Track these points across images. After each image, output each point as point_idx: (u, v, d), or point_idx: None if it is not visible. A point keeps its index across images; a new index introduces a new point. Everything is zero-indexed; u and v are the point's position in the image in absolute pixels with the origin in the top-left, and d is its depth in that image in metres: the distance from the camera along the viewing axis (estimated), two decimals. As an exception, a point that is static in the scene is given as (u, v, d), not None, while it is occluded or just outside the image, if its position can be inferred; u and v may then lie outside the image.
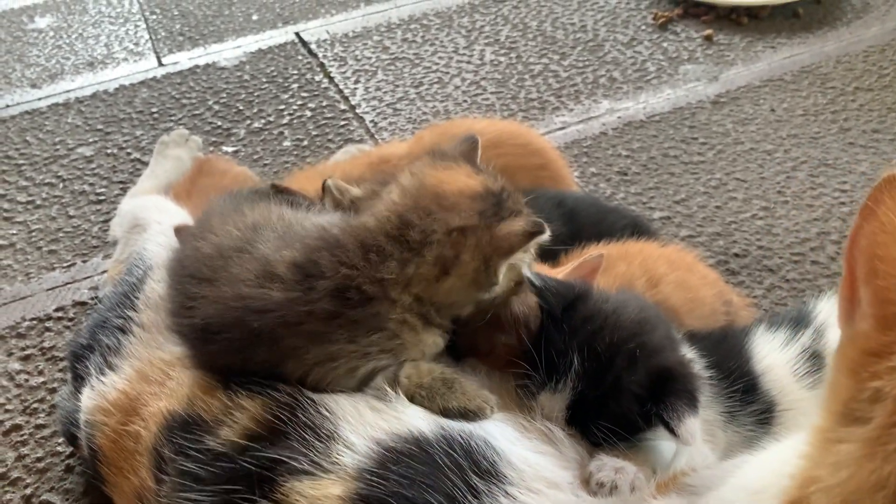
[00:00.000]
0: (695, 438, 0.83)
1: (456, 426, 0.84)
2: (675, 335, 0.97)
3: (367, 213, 0.93)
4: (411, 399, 0.87)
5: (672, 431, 0.82)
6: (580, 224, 1.24)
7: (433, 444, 0.82)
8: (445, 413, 0.85)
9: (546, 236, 0.89)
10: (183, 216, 1.34)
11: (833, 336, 1.06)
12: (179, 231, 1.17)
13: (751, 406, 1.01)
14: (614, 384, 0.85)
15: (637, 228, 1.31)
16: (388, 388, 0.87)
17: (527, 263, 0.93)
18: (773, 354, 1.05)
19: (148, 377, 1.00)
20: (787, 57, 2.08)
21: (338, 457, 0.80)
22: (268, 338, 0.86)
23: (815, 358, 1.04)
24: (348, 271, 0.86)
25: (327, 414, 0.84)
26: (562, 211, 1.26)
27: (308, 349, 0.87)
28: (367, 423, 0.84)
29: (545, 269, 1.06)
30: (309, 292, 0.86)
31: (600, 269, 1.09)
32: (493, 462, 0.81)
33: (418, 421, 0.85)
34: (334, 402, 0.85)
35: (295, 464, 0.80)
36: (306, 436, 0.82)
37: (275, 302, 0.86)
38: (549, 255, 1.18)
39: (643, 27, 2.26)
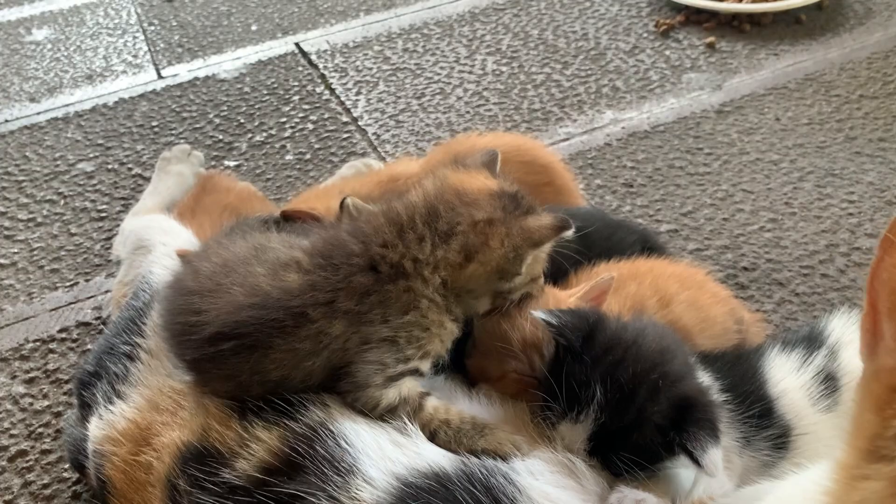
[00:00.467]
0: (718, 468, 0.82)
1: (477, 462, 0.83)
2: (692, 361, 0.96)
3: (394, 201, 0.97)
4: (432, 434, 0.86)
5: (696, 462, 0.81)
6: (590, 240, 1.23)
7: (453, 480, 0.81)
8: (473, 453, 0.85)
9: (571, 232, 0.94)
10: (187, 236, 1.33)
11: (847, 355, 1.05)
12: (183, 257, 1.16)
13: (766, 431, 1.00)
14: (638, 415, 0.84)
15: (646, 244, 1.30)
16: (409, 422, 0.86)
17: (543, 259, 0.97)
18: (788, 378, 1.04)
19: (158, 406, 0.99)
20: (790, 64, 2.07)
21: (357, 492, 0.79)
22: (291, 325, 0.86)
23: (829, 380, 1.03)
24: (380, 249, 0.89)
25: (347, 447, 0.83)
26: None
27: (339, 334, 0.86)
28: (387, 458, 0.83)
29: (556, 292, 1.05)
30: (336, 271, 0.88)
31: (610, 290, 1.08)
32: (513, 499, 0.80)
33: (439, 457, 0.84)
34: (355, 433, 0.84)
35: (313, 499, 0.79)
36: (325, 469, 0.80)
37: (297, 287, 0.87)
38: (559, 272, 1.17)
39: (645, 35, 2.25)
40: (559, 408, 0.86)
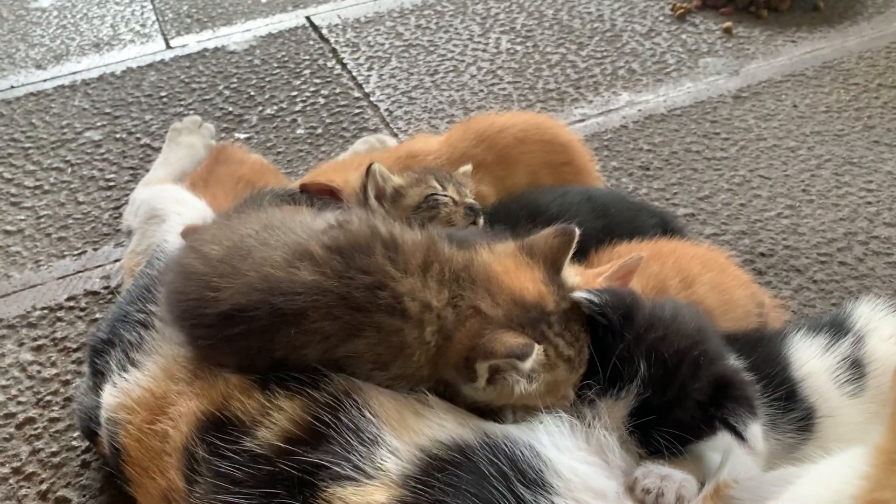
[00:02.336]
0: (760, 443, 0.82)
1: (501, 434, 0.82)
2: (724, 343, 0.95)
3: (442, 241, 0.91)
4: None
5: (739, 436, 0.81)
6: (612, 221, 1.22)
7: (477, 451, 0.79)
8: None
9: (526, 364, 0.82)
10: (201, 206, 1.31)
11: (874, 342, 1.04)
12: (188, 233, 1.13)
13: (791, 413, 0.99)
14: (680, 391, 0.84)
15: (667, 226, 1.29)
16: (429, 395, 0.85)
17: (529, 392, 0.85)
18: (812, 361, 1.04)
19: (173, 375, 0.97)
20: (808, 52, 2.05)
21: (382, 462, 0.78)
22: (294, 319, 0.84)
23: (855, 366, 1.02)
24: (395, 272, 0.84)
25: (371, 417, 0.81)
26: (591, 206, 1.23)
27: (332, 333, 0.84)
28: (410, 429, 0.81)
29: (585, 272, 1.03)
30: (347, 281, 0.84)
31: (636, 269, 1.07)
32: (539, 471, 0.79)
33: (461, 429, 0.82)
34: (378, 404, 0.83)
35: (337, 469, 0.77)
36: (350, 439, 0.79)
37: (306, 284, 0.84)
38: (580, 251, 1.16)
39: (661, 18, 2.22)
40: (599, 385, 0.85)
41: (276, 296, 0.85)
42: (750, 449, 0.80)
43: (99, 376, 1.07)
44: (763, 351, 1.05)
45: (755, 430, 0.80)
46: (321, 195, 1.20)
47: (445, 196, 1.17)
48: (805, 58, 2.03)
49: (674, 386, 0.84)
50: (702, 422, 0.84)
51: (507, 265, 0.91)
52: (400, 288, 0.85)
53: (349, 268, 0.85)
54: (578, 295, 0.89)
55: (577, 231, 0.94)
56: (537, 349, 0.82)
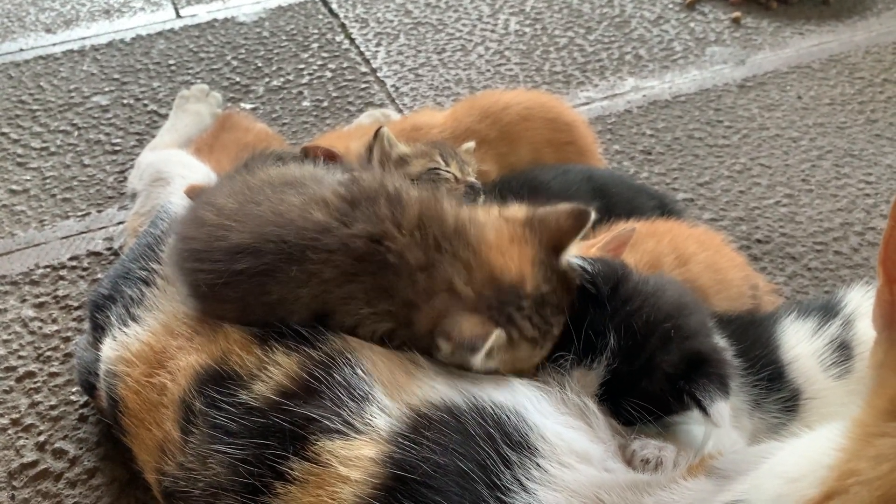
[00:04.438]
0: (725, 420, 0.83)
1: (488, 398, 0.83)
2: (710, 323, 0.96)
3: (444, 199, 0.92)
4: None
5: (704, 410, 0.82)
6: (612, 200, 1.23)
7: (465, 413, 0.81)
8: None
9: (476, 358, 0.84)
10: (206, 171, 1.32)
11: (863, 326, 1.06)
12: (193, 192, 1.15)
13: (777, 394, 1.01)
14: (647, 362, 0.85)
15: (665, 209, 1.30)
16: (420, 356, 0.87)
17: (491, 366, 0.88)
18: (801, 344, 1.05)
19: (173, 331, 0.99)
20: (815, 44, 2.05)
21: (371, 418, 0.80)
22: (298, 257, 0.86)
23: (843, 348, 1.04)
24: (392, 227, 0.86)
25: (363, 375, 0.83)
26: (592, 185, 1.25)
27: (329, 278, 0.87)
28: (401, 388, 0.83)
29: (580, 242, 1.05)
30: (350, 225, 0.87)
31: (629, 242, 1.08)
32: (524, 434, 0.80)
33: (450, 391, 0.84)
34: (371, 363, 0.85)
35: (327, 423, 0.79)
36: (341, 395, 0.81)
37: (313, 222, 0.88)
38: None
39: (670, 5, 2.23)
40: (574, 354, 0.87)
41: (286, 229, 0.88)
42: (713, 424, 0.81)
43: (99, 331, 1.09)
44: (754, 333, 1.06)
45: (721, 407, 0.81)
46: (323, 158, 1.21)
47: (448, 172, 1.18)
48: (812, 50, 2.03)
49: (641, 356, 0.85)
50: (671, 394, 0.85)
51: (502, 237, 0.91)
52: (395, 245, 0.87)
53: (354, 216, 0.88)
54: (574, 260, 0.90)
55: (594, 216, 0.93)
56: (494, 336, 0.83)
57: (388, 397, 0.82)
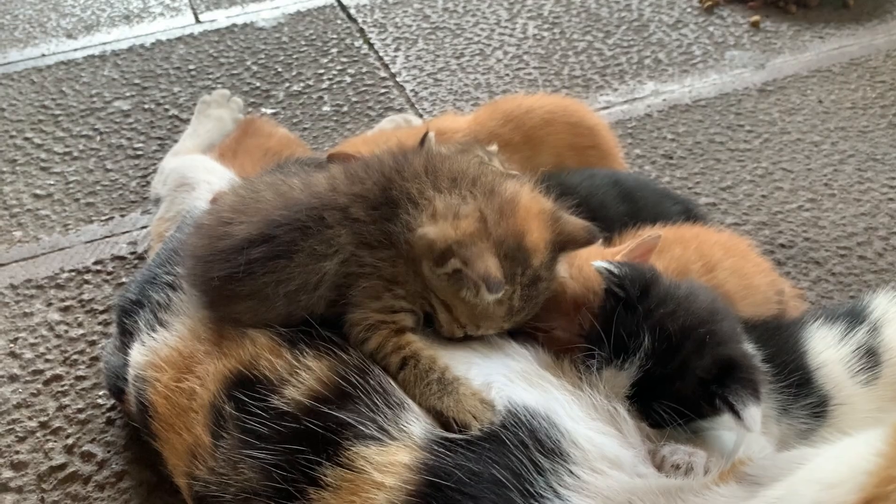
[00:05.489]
0: (757, 425, 0.82)
1: (521, 403, 0.83)
2: (739, 328, 0.96)
3: (458, 155, 0.99)
4: (401, 362, 0.86)
5: (737, 415, 0.82)
6: (637, 205, 1.23)
7: (499, 422, 0.81)
8: (427, 409, 0.83)
9: (492, 296, 0.86)
10: (229, 177, 1.33)
11: (890, 332, 1.05)
12: (217, 200, 1.15)
13: (805, 399, 1.00)
14: (682, 365, 0.85)
15: (689, 213, 1.30)
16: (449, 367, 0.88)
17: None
18: (828, 350, 1.05)
19: (200, 336, 0.99)
20: (835, 48, 2.04)
21: (406, 425, 0.80)
22: (314, 227, 0.89)
23: (870, 355, 1.03)
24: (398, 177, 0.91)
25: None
26: (618, 190, 1.25)
27: (346, 242, 0.89)
28: None
29: (603, 250, 1.05)
30: (362, 182, 0.92)
31: (655, 250, 1.08)
32: (557, 441, 0.80)
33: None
34: None
35: (362, 428, 0.80)
36: (376, 401, 0.81)
37: (319, 193, 0.91)
38: (606, 232, 1.17)
39: (689, 10, 2.22)
40: (605, 355, 0.87)
41: (294, 209, 0.90)
42: (746, 429, 0.81)
43: (127, 336, 1.10)
44: (781, 338, 1.06)
45: (753, 412, 0.81)
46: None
47: (492, 165, 1.19)
48: (832, 54, 2.02)
49: (676, 359, 0.85)
50: (703, 398, 0.85)
51: (531, 207, 0.94)
52: (408, 185, 0.90)
53: (362, 177, 0.92)
54: (599, 265, 0.90)
55: (600, 239, 0.99)
56: (504, 290, 0.86)
57: None
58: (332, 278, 0.89)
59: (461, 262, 0.84)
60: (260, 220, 0.92)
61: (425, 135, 1.08)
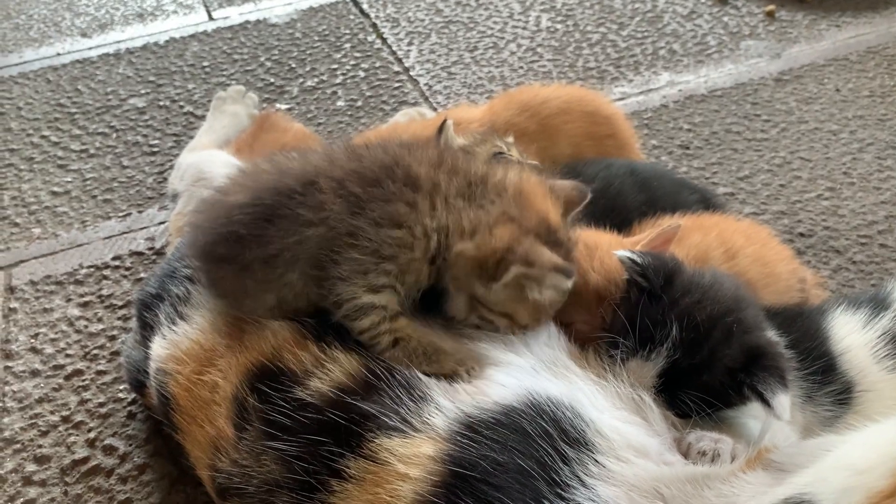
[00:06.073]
0: (787, 412, 0.82)
1: (544, 394, 0.83)
2: (762, 316, 0.95)
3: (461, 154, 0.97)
4: (395, 342, 0.87)
5: (766, 403, 0.82)
6: (655, 194, 1.22)
7: (522, 412, 0.81)
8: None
9: (567, 282, 0.88)
10: (246, 170, 1.33)
11: (916, 319, 1.04)
12: None
13: (828, 386, 1.00)
14: (710, 355, 0.85)
15: (707, 203, 1.29)
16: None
17: (532, 303, 0.88)
18: (852, 336, 1.04)
19: (220, 329, 1.00)
20: (852, 36, 2.03)
21: (429, 417, 0.80)
22: (302, 193, 0.87)
23: (895, 341, 1.03)
24: (412, 161, 0.89)
25: (420, 376, 0.84)
26: (635, 179, 1.24)
27: (338, 212, 0.87)
28: (457, 389, 0.83)
29: (622, 240, 1.04)
30: (360, 160, 0.90)
31: (675, 238, 1.07)
32: (581, 431, 0.80)
33: (505, 390, 0.84)
34: None
35: (385, 419, 0.79)
36: (400, 394, 0.81)
37: (314, 164, 0.91)
38: (623, 223, 1.17)
39: (703, 0, 2.21)
40: (630, 345, 0.86)
41: (286, 176, 0.89)
42: (776, 417, 0.81)
43: (147, 329, 1.10)
44: (803, 325, 1.05)
45: (783, 400, 0.81)
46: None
47: (510, 155, 1.19)
48: (849, 42, 2.01)
49: (704, 349, 0.85)
50: (730, 387, 0.85)
51: (537, 189, 0.94)
52: (415, 167, 0.89)
53: (364, 155, 0.91)
54: (622, 254, 0.90)
55: (590, 194, 0.99)
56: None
57: (444, 397, 0.82)
58: (314, 250, 0.88)
59: (523, 265, 0.84)
60: (253, 186, 0.92)
61: (443, 123, 1.08)
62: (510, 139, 1.28)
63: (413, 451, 0.78)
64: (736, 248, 1.11)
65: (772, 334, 0.96)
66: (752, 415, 0.90)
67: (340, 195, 0.87)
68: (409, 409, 0.80)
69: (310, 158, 0.94)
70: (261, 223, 0.89)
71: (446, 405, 0.82)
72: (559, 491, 0.75)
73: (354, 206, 0.87)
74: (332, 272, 0.87)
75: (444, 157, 0.94)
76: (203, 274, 0.99)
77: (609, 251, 0.99)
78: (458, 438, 0.78)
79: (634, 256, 0.89)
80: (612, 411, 0.84)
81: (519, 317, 0.89)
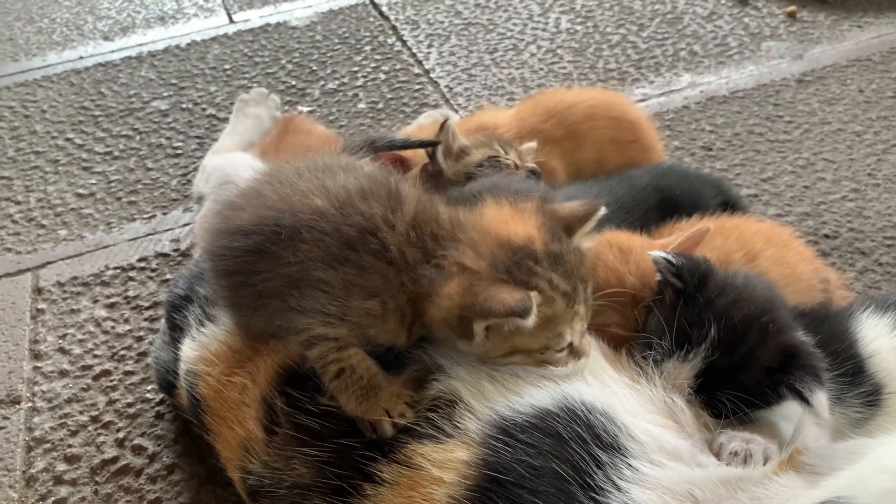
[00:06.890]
0: (826, 410, 0.82)
1: (577, 399, 0.83)
2: (791, 316, 0.95)
3: (440, 203, 0.92)
4: (339, 371, 0.84)
5: (805, 401, 0.82)
6: (675, 195, 1.23)
7: (556, 417, 0.81)
8: (349, 411, 0.84)
9: (526, 321, 0.79)
10: (272, 173, 1.34)
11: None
12: None
13: (858, 388, 0.99)
14: (748, 355, 0.85)
15: (727, 200, 1.30)
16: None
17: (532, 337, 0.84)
18: (881, 339, 1.03)
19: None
20: (874, 36, 2.02)
21: (461, 421, 0.80)
22: (288, 236, 0.86)
23: (924, 343, 1.02)
24: (384, 226, 0.85)
25: (451, 382, 0.84)
26: (658, 183, 1.24)
27: (313, 258, 0.85)
28: (487, 394, 0.83)
29: (652, 242, 1.04)
30: (346, 217, 0.86)
31: (702, 241, 1.07)
32: (614, 436, 0.80)
33: (538, 393, 0.84)
34: (455, 373, 0.86)
35: (417, 427, 0.80)
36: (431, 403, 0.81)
37: (309, 206, 0.88)
38: (645, 224, 1.17)
39: (723, 1, 2.20)
40: (666, 346, 0.86)
41: (284, 214, 0.88)
42: (816, 415, 0.81)
43: (177, 331, 1.11)
44: (830, 326, 1.04)
45: (821, 398, 0.81)
46: (391, 164, 1.23)
47: (508, 160, 1.20)
48: (872, 43, 2.00)
49: (741, 350, 0.85)
50: (768, 387, 0.86)
51: (502, 213, 0.89)
52: (389, 238, 0.85)
53: (351, 205, 0.87)
54: (656, 254, 0.90)
55: (604, 210, 0.91)
56: (533, 297, 0.79)
57: (475, 400, 0.83)
58: (284, 282, 0.87)
59: (482, 318, 0.80)
60: (253, 213, 0.92)
61: (444, 123, 1.08)
62: (533, 145, 1.29)
63: (447, 457, 0.78)
64: (756, 249, 1.11)
65: (802, 334, 0.96)
66: (782, 415, 0.90)
67: (319, 247, 0.86)
68: (440, 415, 0.81)
69: (311, 200, 0.90)
70: (249, 256, 0.89)
71: (477, 408, 0.82)
72: (593, 495, 0.75)
73: (331, 259, 0.85)
74: (292, 303, 0.86)
75: (419, 217, 0.88)
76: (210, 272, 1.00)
77: (643, 254, 0.99)
78: (492, 443, 0.78)
79: (670, 257, 0.90)
80: (644, 415, 0.84)
81: (528, 347, 0.85)
